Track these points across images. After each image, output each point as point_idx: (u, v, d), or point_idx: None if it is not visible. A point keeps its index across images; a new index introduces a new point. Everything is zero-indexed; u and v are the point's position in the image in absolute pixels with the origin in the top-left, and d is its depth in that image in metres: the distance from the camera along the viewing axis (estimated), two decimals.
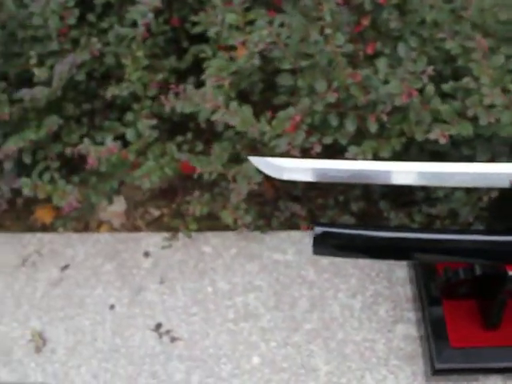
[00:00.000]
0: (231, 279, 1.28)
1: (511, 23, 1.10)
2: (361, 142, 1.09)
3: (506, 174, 0.92)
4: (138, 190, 1.51)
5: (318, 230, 0.94)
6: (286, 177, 0.92)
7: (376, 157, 1.07)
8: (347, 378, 1.15)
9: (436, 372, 1.07)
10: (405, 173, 0.87)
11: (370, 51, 1.17)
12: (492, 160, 1.10)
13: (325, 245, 0.95)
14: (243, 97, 1.25)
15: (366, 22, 1.16)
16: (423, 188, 1.26)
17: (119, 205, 1.50)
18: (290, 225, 1.33)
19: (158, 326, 1.24)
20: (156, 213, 1.47)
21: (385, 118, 1.02)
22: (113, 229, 1.46)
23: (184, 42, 1.43)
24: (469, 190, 1.16)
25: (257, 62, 1.07)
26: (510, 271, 0.95)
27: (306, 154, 1.07)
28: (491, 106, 1.03)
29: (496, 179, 0.91)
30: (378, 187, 1.31)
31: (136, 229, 1.45)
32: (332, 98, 1.02)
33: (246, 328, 1.22)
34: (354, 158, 1.04)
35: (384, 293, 1.24)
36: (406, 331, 1.19)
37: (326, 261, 1.28)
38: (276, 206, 1.34)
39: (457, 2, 1.09)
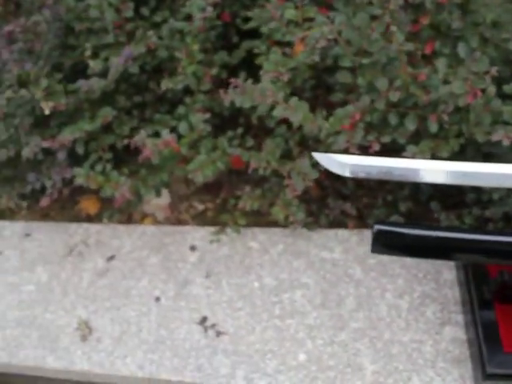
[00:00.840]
0: (278, 275, 1.28)
1: None
2: (418, 141, 1.09)
3: None
4: (182, 184, 1.53)
5: (377, 228, 0.94)
6: (348, 174, 0.92)
7: (434, 157, 1.06)
8: (394, 379, 1.14)
9: (488, 377, 1.06)
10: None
11: (428, 51, 1.16)
12: None
13: (383, 243, 0.94)
14: (295, 93, 1.25)
15: (425, 21, 1.15)
16: (474, 190, 1.26)
17: (163, 198, 1.51)
18: (338, 223, 1.32)
19: (204, 319, 1.24)
20: (200, 207, 1.48)
21: (446, 118, 1.01)
22: (157, 222, 1.47)
23: (234, 37, 1.44)
24: None
25: (317, 58, 1.07)
26: None
27: (363, 152, 1.07)
28: None
29: None
30: (425, 188, 1.30)
31: (180, 222, 1.46)
32: (394, 96, 1.01)
33: (292, 325, 1.22)
34: (413, 158, 1.04)
35: (432, 294, 1.23)
36: (454, 334, 1.18)
37: (373, 260, 1.28)
38: (324, 204, 1.34)
39: None
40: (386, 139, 1.06)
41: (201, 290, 1.29)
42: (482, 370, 1.07)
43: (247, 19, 1.35)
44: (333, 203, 1.30)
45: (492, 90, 1.08)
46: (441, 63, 1.11)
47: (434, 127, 1.02)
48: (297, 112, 1.04)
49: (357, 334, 1.20)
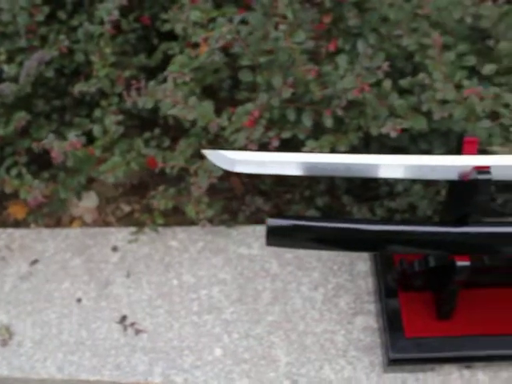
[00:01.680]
0: (196, 273, 1.30)
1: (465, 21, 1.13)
2: (320, 136, 1.12)
3: (454, 167, 0.94)
4: (110, 186, 1.54)
5: (272, 222, 0.96)
6: (237, 169, 0.94)
7: (333, 151, 1.09)
8: (306, 369, 1.17)
9: (391, 362, 1.09)
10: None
11: (332, 48, 1.19)
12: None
13: (278, 236, 0.97)
14: (212, 93, 1.28)
15: (327, 19, 1.18)
16: (387, 183, 1.29)
17: (91, 200, 1.52)
18: (256, 219, 1.35)
19: (123, 318, 1.26)
20: (127, 208, 1.49)
21: (340, 112, 1.05)
22: (85, 224, 1.48)
23: (154, 39, 1.46)
24: (427, 184, 1.19)
25: (217, 58, 1.09)
26: (458, 261, 0.97)
27: (265, 148, 1.09)
28: (445, 102, 1.06)
29: (444, 171, 0.93)
30: (341, 182, 1.33)
31: (107, 224, 1.47)
32: (287, 93, 1.04)
33: (209, 320, 1.24)
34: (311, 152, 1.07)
35: (345, 285, 1.26)
36: (366, 323, 1.21)
37: (289, 254, 1.30)
38: (243, 200, 1.36)
39: (414, 1, 1.12)
40: (287, 135, 1.09)
41: (121, 290, 1.30)
42: (386, 356, 1.11)
43: (165, 21, 1.37)
44: (250, 200, 1.33)
45: (388, 84, 1.12)
46: (341, 60, 1.15)
47: (328, 122, 1.05)
48: (194, 111, 1.06)
49: (272, 327, 1.22)
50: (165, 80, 1.24)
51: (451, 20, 1.14)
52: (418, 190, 1.14)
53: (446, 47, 1.15)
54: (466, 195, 0.92)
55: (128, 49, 1.41)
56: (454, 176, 0.93)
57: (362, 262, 1.28)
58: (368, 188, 1.31)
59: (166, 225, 1.37)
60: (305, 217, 1.21)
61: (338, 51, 1.18)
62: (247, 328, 1.22)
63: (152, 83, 1.14)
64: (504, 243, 0.95)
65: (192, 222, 1.34)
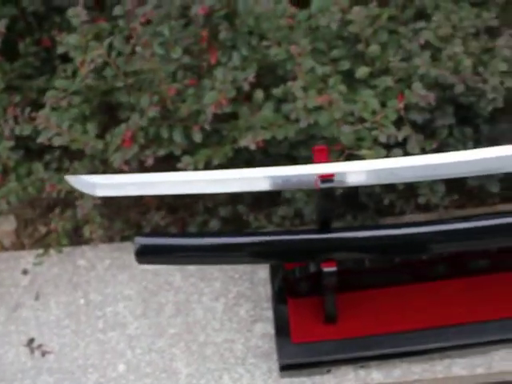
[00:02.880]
0: (103, 290, 1.32)
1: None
2: (198, 150, 1.14)
3: (305, 176, 0.95)
4: (28, 208, 1.56)
5: (139, 240, 0.98)
6: (99, 193, 0.96)
7: (209, 165, 1.11)
8: (206, 379, 1.19)
9: (281, 368, 1.11)
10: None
11: (213, 61, 1.21)
12: None
13: (146, 255, 0.99)
14: (101, 114, 1.29)
15: (204, 33, 1.20)
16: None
17: (9, 224, 1.53)
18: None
19: (31, 341, 1.28)
20: (44, 230, 1.51)
21: (208, 127, 1.06)
22: (4, 248, 1.50)
23: (56, 61, 1.47)
24: (311, 191, 1.20)
25: (90, 81, 1.11)
26: (325, 267, 0.99)
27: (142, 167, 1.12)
28: (311, 109, 1.07)
29: (300, 182, 0.94)
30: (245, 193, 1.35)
31: (24, 247, 1.49)
32: (153, 112, 1.06)
33: (114, 337, 1.26)
34: (185, 168, 1.09)
35: (246, 294, 1.27)
36: (265, 329, 1.22)
37: (192, 266, 1.32)
38: (148, 215, 1.38)
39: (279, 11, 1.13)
40: (162, 152, 1.10)
41: (30, 313, 1.32)
42: (278, 363, 1.12)
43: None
44: (153, 214, 1.34)
45: (259, 95, 1.13)
46: (218, 73, 1.16)
47: (197, 137, 1.07)
48: (67, 135, 1.08)
49: (174, 339, 1.24)
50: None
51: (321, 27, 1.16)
52: (302, 197, 1.16)
53: (320, 53, 1.18)
54: (319, 203, 0.94)
55: (29, 72, 1.43)
56: (311, 185, 0.95)
57: (262, 270, 1.29)
58: (267, 196, 1.33)
59: (77, 244, 1.40)
60: (171, 234, 1.23)
61: (218, 64, 1.20)
62: (150, 342, 1.24)
63: (28, 109, 1.16)
64: (365, 246, 0.97)
65: (100, 241, 1.36)
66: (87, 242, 1.38)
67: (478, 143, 1.23)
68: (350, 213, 1.26)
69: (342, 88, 1.12)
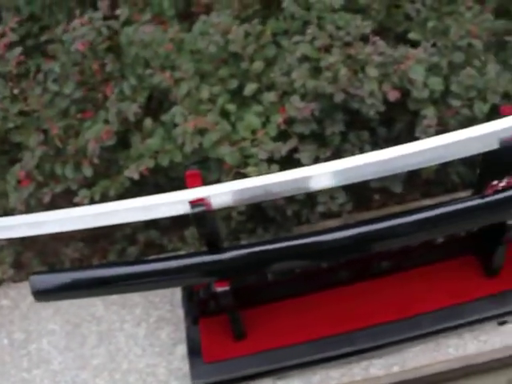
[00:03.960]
0: (27, 328, 1.32)
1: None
2: (97, 182, 1.15)
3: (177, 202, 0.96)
4: None
5: (35, 279, 0.99)
6: None
7: (106, 196, 1.12)
8: None
9: None
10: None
11: (108, 93, 1.23)
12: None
13: (44, 292, 1.00)
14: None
15: (95, 66, 1.22)
16: None
17: None
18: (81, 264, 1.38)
19: None
20: None
21: (96, 161, 1.08)
22: None
23: None
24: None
25: None
26: (218, 288, 1.00)
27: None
28: (195, 132, 1.09)
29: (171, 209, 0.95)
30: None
31: None
32: (39, 151, 1.07)
33: (38, 374, 1.26)
34: (82, 202, 1.10)
35: (166, 316, 1.28)
36: (185, 351, 1.23)
37: (114, 295, 1.33)
38: (67, 248, 1.39)
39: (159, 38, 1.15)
40: (59, 189, 1.12)
41: None
42: None
43: None
44: (71, 248, 1.35)
45: (148, 123, 1.15)
46: (108, 104, 1.18)
47: (88, 171, 1.09)
48: None
49: (97, 370, 1.25)
50: None
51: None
52: None
53: (208, 74, 1.19)
54: (197, 227, 0.95)
55: None
56: (185, 211, 0.96)
57: (181, 292, 1.31)
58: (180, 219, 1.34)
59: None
60: (66, 268, 1.24)
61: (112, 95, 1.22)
62: (74, 375, 1.24)
63: None
64: (254, 262, 0.98)
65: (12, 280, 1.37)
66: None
67: (375, 145, 1.25)
68: (259, 226, 1.29)
69: (231, 107, 1.15)
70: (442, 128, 1.18)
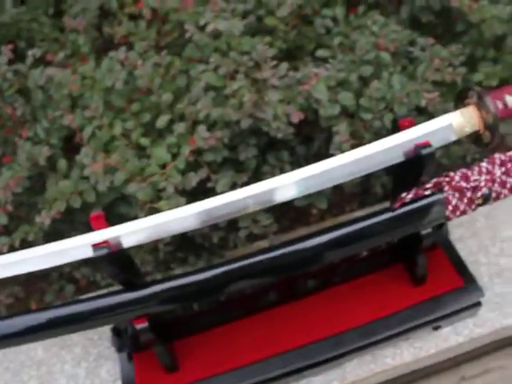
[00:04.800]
0: None
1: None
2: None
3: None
4: None
5: None
6: None
7: (25, 242, 1.12)
8: None
9: None
10: None
11: (23, 136, 1.22)
12: None
13: None
14: None
15: (9, 110, 1.21)
16: None
17: None
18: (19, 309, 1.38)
19: None
20: None
21: (11, 208, 1.08)
22: None
23: None
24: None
25: None
26: (137, 325, 1.00)
27: None
28: (107, 171, 1.09)
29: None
30: None
31: None
32: None
33: None
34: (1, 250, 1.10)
35: (105, 354, 1.28)
36: None
37: None
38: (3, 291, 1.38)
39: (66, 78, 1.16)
40: None
41: None
42: None
43: None
44: (7, 291, 1.35)
45: (63, 162, 1.15)
46: (20, 148, 1.18)
47: (3, 219, 1.09)
48: None
49: None
50: None
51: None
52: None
53: (121, 111, 1.20)
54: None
55: None
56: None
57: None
58: None
59: None
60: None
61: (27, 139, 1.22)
62: None
63: None
64: (169, 297, 0.98)
65: None
66: None
67: (296, 165, 1.25)
68: (191, 254, 1.29)
69: (145, 141, 1.15)
70: (358, 142, 1.19)
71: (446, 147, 1.26)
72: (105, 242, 0.91)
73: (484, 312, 1.25)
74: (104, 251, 0.90)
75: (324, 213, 1.47)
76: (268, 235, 1.22)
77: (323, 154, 1.27)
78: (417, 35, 1.22)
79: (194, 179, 1.06)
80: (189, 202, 1.06)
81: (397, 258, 1.19)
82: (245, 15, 1.28)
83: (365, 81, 1.21)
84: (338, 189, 1.29)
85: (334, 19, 1.31)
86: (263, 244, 1.27)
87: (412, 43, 1.21)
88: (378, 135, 1.18)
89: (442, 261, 1.21)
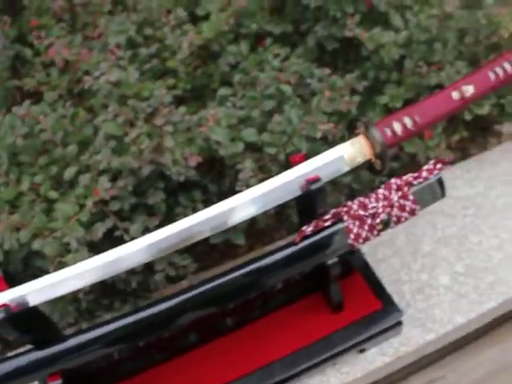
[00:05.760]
0: None
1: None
2: None
3: None
4: None
5: None
6: None
7: None
8: None
9: None
10: None
11: None
12: None
13: None
14: None
15: None
16: None
17: None
18: None
19: None
20: None
21: None
22: None
23: None
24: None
25: None
26: (50, 382, 0.99)
27: None
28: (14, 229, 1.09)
29: None
30: None
31: None
32: None
33: None
34: None
35: None
36: None
37: None
38: None
39: None
40: None
41: None
42: None
43: None
44: None
45: None
46: None
47: None
48: None
49: None
50: None
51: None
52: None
53: (28, 165, 1.20)
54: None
55: None
56: None
57: None
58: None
59: None
60: None
61: None
62: None
63: None
64: (84, 352, 0.98)
65: None
66: None
67: (208, 203, 1.27)
68: (116, 300, 1.29)
69: (53, 194, 1.16)
70: (267, 175, 1.21)
71: (356, 172, 1.30)
72: (3, 305, 0.91)
73: (408, 329, 1.27)
74: (2, 315, 0.89)
75: (253, 243, 1.49)
76: (187, 275, 1.23)
77: (236, 191, 1.30)
78: (315, 67, 1.25)
79: (100, 230, 1.07)
80: (101, 251, 1.08)
81: (313, 288, 1.21)
82: (149, 59, 1.31)
83: (269, 115, 1.24)
84: (267, 217, 1.32)
85: (242, 55, 1.34)
86: (184, 284, 1.28)
87: (311, 75, 1.24)
88: (285, 167, 1.21)
89: (360, 285, 1.23)
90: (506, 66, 1.08)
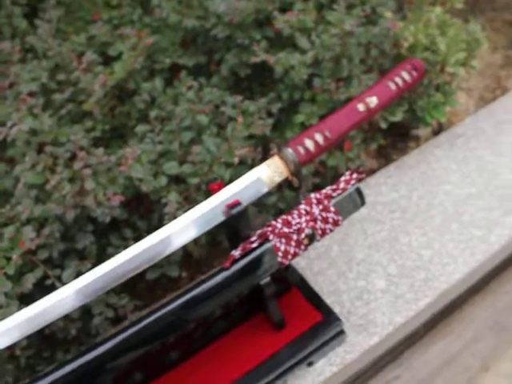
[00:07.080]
0: None
1: None
2: None
3: None
4: None
5: None
6: None
7: None
8: None
9: None
10: None
11: None
12: None
13: None
14: None
15: None
16: None
17: None
18: None
19: None
20: None
21: None
22: None
23: None
24: None
25: None
26: None
27: None
28: None
29: None
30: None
31: None
32: None
33: None
34: None
35: None
36: None
37: None
38: None
39: None
40: None
41: None
42: None
43: None
44: None
45: None
46: None
47: None
48: None
49: None
50: None
51: None
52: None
53: None
54: None
55: None
56: None
57: None
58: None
59: None
60: None
61: None
62: None
63: None
64: None
65: None
66: None
67: (140, 238, 1.27)
68: (58, 350, 1.27)
69: None
70: (192, 205, 1.22)
71: (281, 192, 1.33)
72: None
73: (352, 337, 1.30)
74: None
75: (193, 273, 1.49)
76: (127, 315, 1.23)
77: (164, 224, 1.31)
78: (228, 94, 1.29)
79: (29, 281, 1.06)
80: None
81: (254, 309, 1.22)
82: (65, 103, 1.31)
83: (189, 146, 1.26)
84: (199, 246, 1.33)
85: (157, 90, 1.37)
86: (126, 323, 1.27)
87: (225, 103, 1.27)
88: (209, 195, 1.23)
89: (299, 300, 1.26)
90: (404, 75, 1.14)
